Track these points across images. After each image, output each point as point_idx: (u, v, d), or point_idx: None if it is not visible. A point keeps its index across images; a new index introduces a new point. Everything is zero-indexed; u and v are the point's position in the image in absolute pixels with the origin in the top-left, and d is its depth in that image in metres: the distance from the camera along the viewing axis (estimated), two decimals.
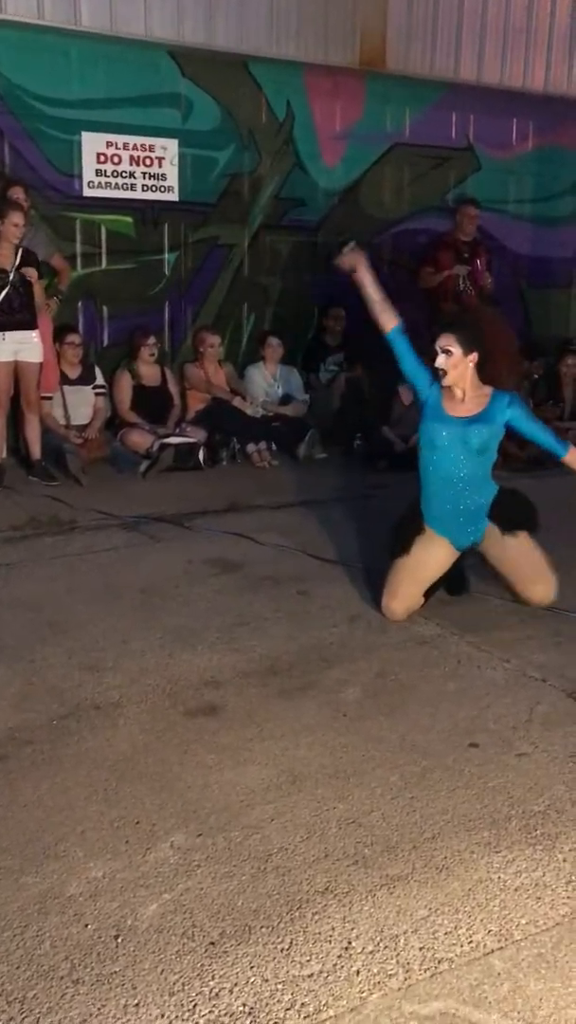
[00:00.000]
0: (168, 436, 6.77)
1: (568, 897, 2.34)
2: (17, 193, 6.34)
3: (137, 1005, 1.99)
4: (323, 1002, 2.01)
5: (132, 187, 7.25)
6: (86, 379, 6.93)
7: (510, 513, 4.09)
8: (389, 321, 4.01)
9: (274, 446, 7.12)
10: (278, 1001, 2.00)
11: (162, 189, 7.37)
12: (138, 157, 7.22)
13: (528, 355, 7.56)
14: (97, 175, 7.09)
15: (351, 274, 4.10)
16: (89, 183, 7.07)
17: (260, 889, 2.35)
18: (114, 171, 7.15)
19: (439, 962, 2.12)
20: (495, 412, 3.95)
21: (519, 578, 4.07)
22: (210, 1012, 1.97)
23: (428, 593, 4.08)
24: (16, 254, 6.09)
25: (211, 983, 2.05)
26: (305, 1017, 1.97)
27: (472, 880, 2.40)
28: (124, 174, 7.19)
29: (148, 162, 7.27)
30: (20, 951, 2.13)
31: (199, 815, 2.65)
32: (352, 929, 2.22)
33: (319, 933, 2.20)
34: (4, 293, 6.04)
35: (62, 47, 6.76)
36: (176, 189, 7.43)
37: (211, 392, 7.25)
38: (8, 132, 6.71)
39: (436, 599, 4.16)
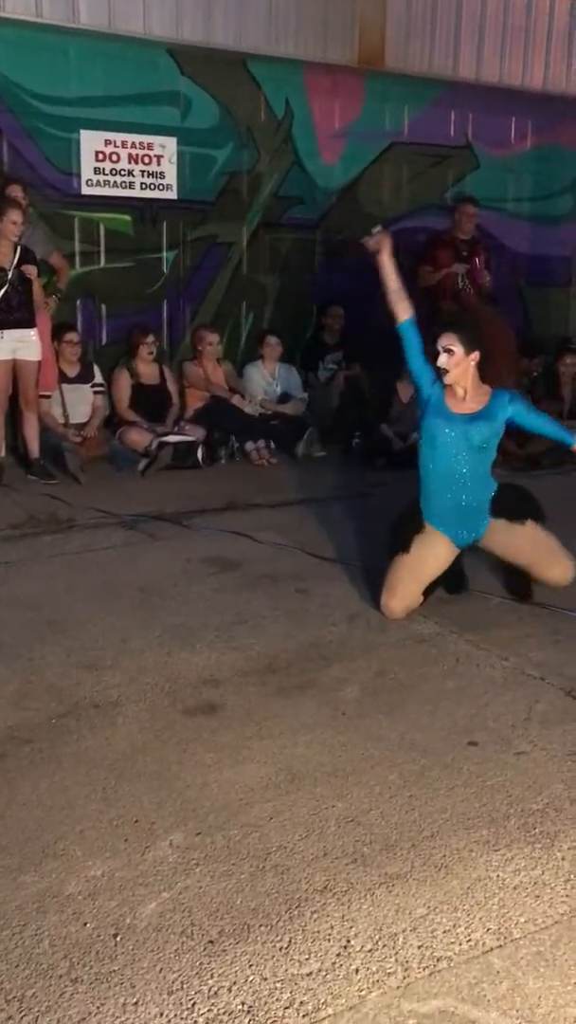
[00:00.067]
0: (167, 434, 6.76)
1: (567, 895, 2.34)
2: (15, 191, 6.33)
3: (136, 1004, 1.99)
4: (322, 1000, 2.01)
5: (131, 185, 7.24)
6: (85, 377, 6.92)
7: (515, 505, 4.12)
8: (404, 311, 4.02)
9: (273, 444, 7.12)
10: (277, 999, 2.01)
11: (161, 187, 7.37)
12: (137, 155, 7.21)
13: (527, 353, 7.57)
14: (95, 173, 7.08)
15: (375, 256, 4.09)
16: (87, 181, 7.06)
17: (259, 888, 2.35)
18: (113, 169, 7.14)
19: (438, 960, 2.12)
20: (496, 410, 3.97)
21: (536, 562, 4.08)
22: (209, 1010, 1.97)
23: (427, 592, 4.09)
24: (15, 252, 6.08)
25: (210, 981, 2.05)
26: (304, 1015, 1.97)
27: (471, 878, 2.40)
28: (123, 172, 7.18)
29: (147, 160, 7.26)
30: (19, 950, 2.13)
31: (198, 814, 2.65)
32: (351, 927, 2.22)
33: (318, 931, 2.20)
34: (3, 291, 6.04)
35: (60, 45, 6.75)
36: (175, 187, 7.42)
37: (210, 390, 7.25)
38: (6, 130, 6.70)
39: (435, 597, 4.16)
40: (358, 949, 2.15)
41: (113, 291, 7.31)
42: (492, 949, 2.16)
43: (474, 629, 3.96)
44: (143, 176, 7.28)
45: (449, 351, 3.88)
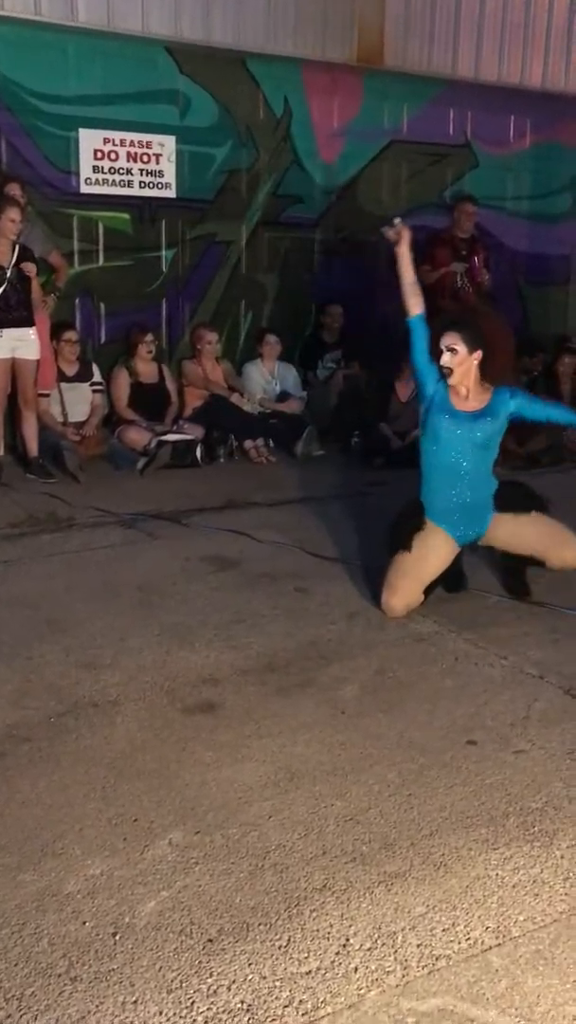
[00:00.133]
0: (165, 433, 6.76)
1: (566, 894, 2.35)
2: (14, 189, 6.32)
3: (135, 1002, 1.99)
4: (321, 999, 2.01)
5: (129, 184, 7.24)
6: (83, 376, 6.92)
7: (518, 499, 4.15)
8: (416, 306, 4.03)
9: (272, 443, 7.13)
10: (276, 998, 2.01)
11: (159, 186, 7.36)
12: (135, 154, 7.20)
13: (528, 352, 7.57)
14: (94, 172, 7.08)
15: (394, 246, 4.10)
16: (86, 180, 7.06)
17: (258, 886, 2.35)
18: (111, 168, 7.13)
19: (437, 959, 2.12)
20: (498, 407, 3.99)
21: (547, 547, 4.08)
22: (208, 1009, 1.98)
23: (428, 590, 4.09)
24: (13, 251, 6.08)
25: (209, 980, 2.05)
26: (303, 1014, 1.97)
27: (470, 877, 2.40)
28: (121, 171, 7.18)
29: (145, 159, 7.26)
30: (18, 948, 2.14)
31: (197, 812, 2.65)
32: (350, 926, 2.22)
33: (317, 930, 2.21)
34: (1, 290, 6.04)
35: (59, 43, 6.74)
36: (174, 186, 7.42)
37: (209, 389, 7.25)
38: (5, 128, 6.70)
39: (433, 596, 4.16)
40: (357, 948, 2.15)
41: (112, 290, 7.31)
42: (491, 947, 2.16)
43: (473, 628, 3.97)
44: (142, 175, 7.27)
45: (452, 350, 3.90)
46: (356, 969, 2.09)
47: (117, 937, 2.17)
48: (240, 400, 7.28)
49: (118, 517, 5.46)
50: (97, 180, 7.10)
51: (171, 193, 7.42)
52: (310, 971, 2.08)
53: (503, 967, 2.10)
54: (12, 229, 6.02)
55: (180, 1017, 1.96)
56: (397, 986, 2.04)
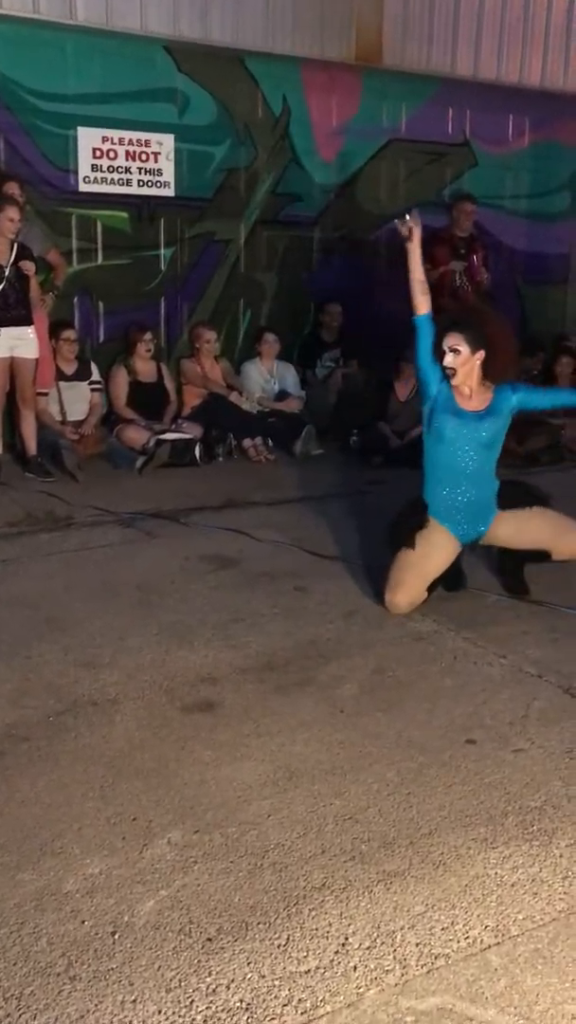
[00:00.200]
0: (164, 432, 6.76)
1: (565, 892, 2.35)
2: (12, 188, 6.32)
3: (134, 1001, 1.99)
4: (320, 998, 2.01)
5: (128, 182, 7.23)
6: (82, 375, 6.92)
7: (520, 495, 4.18)
8: (424, 305, 4.03)
9: (270, 442, 7.12)
10: (275, 997, 2.01)
11: (158, 184, 7.35)
12: (134, 152, 7.20)
13: (528, 351, 7.57)
14: (93, 170, 7.07)
15: (405, 241, 4.08)
16: (85, 178, 7.05)
17: (257, 885, 2.35)
18: (110, 166, 7.13)
19: (436, 958, 2.12)
20: (502, 404, 4.02)
21: (553, 538, 4.10)
22: (207, 1008, 1.98)
23: (429, 589, 4.09)
24: (12, 249, 6.07)
25: (208, 979, 2.05)
26: (302, 1013, 1.97)
27: (469, 876, 2.40)
28: (120, 169, 7.17)
29: (144, 157, 7.25)
30: (17, 948, 2.13)
31: (196, 811, 2.65)
32: (349, 925, 2.22)
33: (316, 929, 2.21)
34: (0, 288, 6.03)
35: (57, 41, 6.73)
36: (172, 184, 7.41)
37: (207, 387, 7.25)
38: (3, 127, 6.68)
39: (433, 595, 4.15)
40: (356, 947, 2.15)
41: (111, 288, 7.30)
42: (490, 946, 2.16)
43: (472, 627, 3.97)
44: (140, 173, 7.26)
45: (455, 351, 3.91)
46: (355, 968, 2.09)
47: (116, 936, 2.17)
48: (239, 399, 7.28)
49: (117, 516, 5.46)
50: (96, 179, 7.09)
51: (170, 192, 7.41)
52: (309, 970, 2.08)
53: (502, 966, 2.10)
54: (11, 228, 6.01)
55: (179, 1016, 1.96)
56: (396, 985, 2.05)
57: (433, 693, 3.39)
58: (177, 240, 7.55)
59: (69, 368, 6.86)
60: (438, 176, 8.59)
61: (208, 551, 4.88)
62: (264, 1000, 2.00)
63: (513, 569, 4.36)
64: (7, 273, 6.04)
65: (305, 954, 2.13)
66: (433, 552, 4.04)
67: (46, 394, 6.69)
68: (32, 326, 6.25)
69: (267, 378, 7.62)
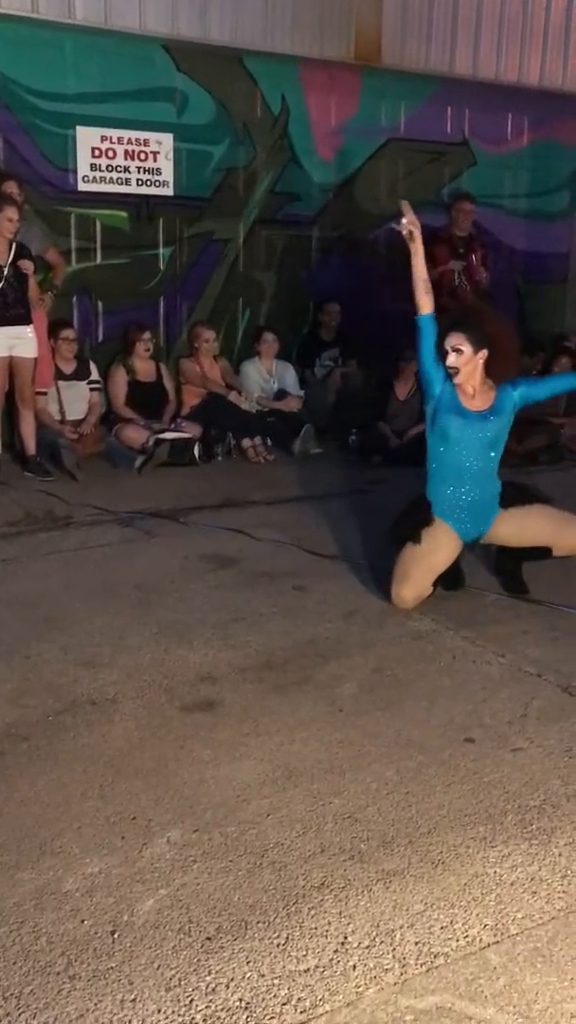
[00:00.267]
0: (163, 431, 6.76)
1: (564, 891, 2.35)
2: (11, 187, 6.31)
3: (134, 1000, 1.99)
4: (319, 997, 2.01)
5: (127, 181, 7.23)
6: (81, 374, 6.92)
7: (521, 493, 4.20)
8: (426, 304, 4.03)
9: (269, 441, 7.12)
10: (274, 996, 2.01)
11: (157, 184, 7.35)
12: (133, 151, 7.20)
13: (528, 351, 7.57)
14: (92, 169, 7.07)
15: (408, 241, 4.03)
16: (84, 177, 7.05)
17: (256, 884, 2.35)
18: (109, 165, 7.13)
19: (435, 956, 2.13)
20: (504, 402, 4.04)
21: (555, 533, 4.11)
22: (207, 1007, 1.98)
23: (433, 585, 4.11)
24: (10, 249, 6.07)
25: (208, 978, 2.05)
26: (301, 1012, 1.97)
27: (468, 875, 2.40)
28: (119, 168, 7.17)
29: (143, 156, 7.25)
30: (16, 947, 2.14)
31: (195, 811, 2.65)
32: (348, 924, 2.22)
33: (315, 928, 2.21)
34: None
35: (56, 41, 6.73)
36: (171, 183, 7.41)
37: (206, 387, 7.24)
38: (2, 126, 6.68)
39: (432, 594, 4.16)
40: (355, 945, 2.15)
41: (109, 288, 7.30)
42: (489, 945, 2.16)
43: (471, 626, 3.97)
44: (139, 172, 7.26)
45: (458, 350, 3.92)
46: (354, 967, 2.09)
47: (116, 935, 2.17)
48: (238, 398, 7.28)
49: (116, 515, 5.46)
50: (95, 178, 7.09)
51: (168, 191, 7.41)
52: (308, 969, 2.08)
53: (501, 965, 2.11)
54: (9, 227, 6.01)
55: (179, 1015, 1.96)
56: (395, 984, 2.05)
57: (432, 692, 3.39)
58: (176, 239, 7.55)
59: (68, 367, 6.86)
60: (437, 175, 8.59)
61: (207, 550, 4.88)
62: (263, 999, 2.00)
63: (512, 568, 4.36)
64: (6, 272, 6.04)
65: (304, 953, 2.13)
66: (438, 547, 4.05)
67: (45, 393, 6.69)
68: (31, 325, 6.25)
69: (266, 377, 7.62)
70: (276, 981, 2.05)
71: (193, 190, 7.51)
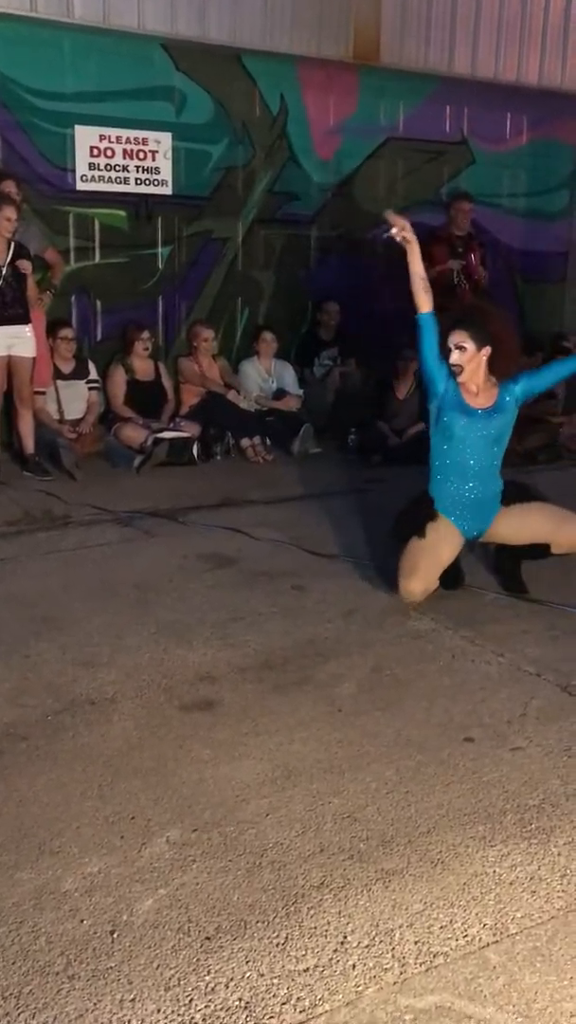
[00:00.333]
0: (162, 431, 6.76)
1: (563, 891, 2.35)
2: (9, 187, 6.31)
3: (133, 1000, 1.99)
4: (319, 996, 2.01)
5: (125, 181, 7.22)
6: (80, 374, 6.92)
7: (520, 493, 4.21)
8: (426, 302, 4.02)
9: (268, 441, 7.12)
10: (274, 995, 2.01)
11: (156, 183, 7.35)
12: (131, 151, 7.19)
13: (527, 350, 7.57)
14: (90, 168, 7.06)
15: (405, 245, 4.01)
16: (82, 177, 7.05)
17: (255, 884, 2.35)
18: (107, 164, 7.12)
19: (434, 956, 2.13)
20: (507, 399, 4.05)
21: (554, 530, 4.12)
22: (206, 1007, 1.98)
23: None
24: (9, 248, 6.07)
25: (207, 978, 2.05)
26: (301, 1011, 1.97)
27: (467, 874, 2.40)
28: (117, 168, 7.17)
29: (141, 155, 7.24)
30: (16, 947, 2.13)
31: (194, 810, 2.65)
32: (348, 923, 2.22)
33: (315, 928, 2.21)
34: None
35: (55, 40, 6.72)
36: (170, 183, 7.40)
37: (205, 386, 7.24)
38: (1, 125, 6.67)
39: (432, 593, 4.16)
40: (355, 945, 2.15)
41: (108, 287, 7.30)
42: (488, 944, 2.16)
43: (470, 625, 3.97)
44: (138, 171, 7.26)
45: (461, 348, 3.93)
46: (354, 966, 2.09)
47: (115, 935, 2.17)
48: (237, 398, 7.28)
49: (115, 515, 5.46)
50: (93, 177, 7.08)
51: (167, 190, 7.41)
52: (308, 968, 2.08)
53: (501, 964, 2.11)
54: (8, 227, 6.01)
55: (178, 1015, 1.96)
56: (395, 983, 2.05)
57: (431, 692, 3.39)
58: (175, 239, 7.54)
59: (67, 367, 6.86)
60: (436, 175, 8.59)
61: (206, 550, 4.88)
62: (263, 998, 2.00)
63: (511, 567, 4.37)
64: (4, 272, 6.03)
65: (304, 952, 2.13)
66: (443, 541, 4.07)
67: (44, 393, 6.69)
68: (29, 325, 6.24)
69: (265, 377, 7.62)
70: (275, 980, 2.05)
71: (192, 189, 7.51)
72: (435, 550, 4.04)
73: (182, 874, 2.38)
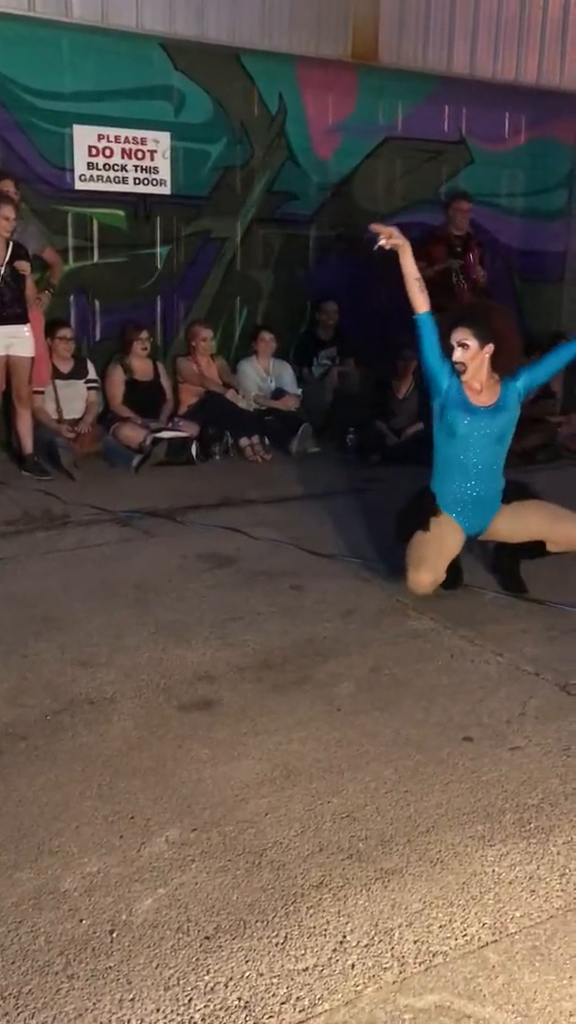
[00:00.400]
0: (161, 430, 6.76)
1: (562, 890, 2.35)
2: (7, 186, 6.31)
3: (132, 1000, 1.99)
4: (318, 996, 2.01)
5: (124, 180, 7.22)
6: (78, 373, 6.92)
7: (519, 492, 4.23)
8: (422, 303, 4.02)
9: (267, 440, 7.12)
10: (273, 995, 2.01)
11: (154, 182, 7.35)
12: (130, 150, 7.19)
13: (526, 350, 7.56)
14: (89, 168, 7.06)
15: (392, 246, 4.00)
16: (81, 176, 7.04)
17: (255, 883, 2.35)
18: (106, 164, 7.12)
19: (434, 955, 2.13)
20: (510, 396, 4.06)
21: (551, 528, 4.13)
22: (205, 1006, 1.98)
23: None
24: (7, 248, 6.07)
25: (206, 977, 2.05)
26: (300, 1011, 1.97)
27: (466, 873, 2.40)
28: (116, 167, 7.17)
29: (140, 155, 7.24)
30: (15, 946, 2.13)
31: (193, 810, 2.65)
32: (347, 923, 2.22)
33: (314, 927, 2.21)
34: None
35: (53, 39, 6.72)
36: (168, 182, 7.41)
37: (204, 386, 7.24)
38: None
39: (431, 593, 4.16)
40: (354, 944, 2.15)
41: (107, 287, 7.30)
42: (488, 944, 2.17)
43: (469, 625, 3.97)
44: (136, 171, 7.26)
45: (464, 345, 3.93)
46: (353, 966, 2.09)
47: (114, 935, 2.17)
48: (235, 397, 7.28)
49: (114, 515, 5.46)
50: (92, 176, 7.08)
51: (166, 190, 7.41)
52: (307, 968, 2.08)
53: (500, 963, 2.11)
54: (6, 227, 6.00)
55: (177, 1014, 1.96)
56: (394, 983, 2.05)
57: (430, 691, 3.39)
58: (173, 238, 7.54)
59: (65, 366, 6.86)
60: (434, 174, 8.60)
61: (205, 549, 4.88)
62: (262, 998, 2.00)
63: (510, 567, 4.37)
64: (2, 272, 6.03)
65: (303, 952, 2.13)
66: (447, 534, 4.08)
67: (42, 392, 6.69)
68: (28, 324, 6.24)
69: (263, 376, 7.62)
70: (275, 980, 2.05)
71: (190, 189, 7.51)
72: (441, 542, 4.05)
73: (181, 874, 2.38)
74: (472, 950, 2.15)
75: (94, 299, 7.31)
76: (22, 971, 2.06)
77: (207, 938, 2.17)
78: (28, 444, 6.39)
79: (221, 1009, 1.97)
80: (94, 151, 7.05)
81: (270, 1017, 1.96)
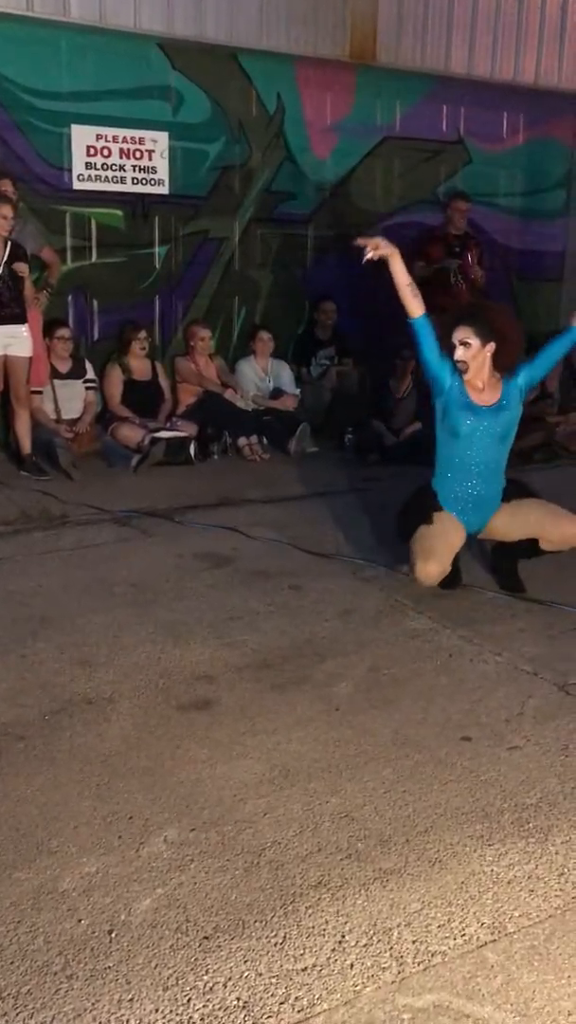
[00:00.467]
0: (159, 430, 6.75)
1: (560, 890, 2.35)
2: (5, 186, 6.30)
3: (131, 1000, 1.99)
4: (317, 995, 2.01)
5: (122, 180, 7.22)
6: (76, 373, 6.91)
7: (518, 491, 4.24)
8: (417, 307, 4.02)
9: (265, 440, 7.12)
10: (272, 995, 2.01)
11: (152, 182, 7.34)
12: (128, 150, 7.19)
13: (525, 350, 7.57)
14: (87, 168, 7.06)
15: (379, 256, 3.98)
16: (79, 176, 7.04)
17: (253, 883, 2.35)
18: (104, 164, 7.11)
19: (432, 955, 2.13)
20: (513, 393, 4.07)
21: (547, 525, 4.14)
22: (204, 1006, 1.98)
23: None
24: (5, 248, 6.06)
25: (205, 977, 2.05)
26: (299, 1011, 1.97)
27: (465, 873, 2.40)
28: (114, 167, 7.16)
29: (138, 155, 7.24)
30: (14, 947, 2.13)
31: (192, 810, 2.65)
32: (345, 923, 2.22)
33: (313, 927, 2.21)
34: None
35: (51, 39, 6.71)
36: (166, 182, 7.40)
37: (202, 385, 7.24)
38: None
39: (428, 592, 4.17)
40: (353, 944, 2.16)
41: (105, 286, 7.29)
42: (486, 943, 2.17)
43: (468, 624, 3.97)
44: (135, 171, 7.25)
45: (466, 344, 3.93)
46: (352, 965, 2.09)
47: (113, 935, 2.17)
48: (234, 397, 7.27)
49: (112, 514, 5.45)
50: (90, 176, 7.08)
51: (164, 189, 7.40)
52: (306, 968, 2.09)
53: (498, 963, 2.11)
54: (4, 226, 5.99)
55: (176, 1014, 1.96)
56: (393, 982, 2.05)
57: (429, 691, 3.39)
58: (172, 238, 7.54)
59: (63, 366, 6.85)
60: (432, 174, 8.59)
61: (203, 549, 4.88)
62: (261, 998, 2.00)
63: (508, 566, 4.37)
64: (0, 272, 6.02)
65: (302, 952, 2.13)
66: (451, 528, 4.09)
67: (40, 392, 6.68)
68: (26, 324, 6.23)
69: (262, 376, 7.62)
70: (274, 980, 2.05)
71: (189, 188, 7.50)
72: (446, 535, 4.06)
73: (180, 874, 2.38)
74: (471, 950, 2.15)
75: (92, 299, 7.30)
76: (21, 971, 2.06)
77: (206, 938, 2.17)
78: (26, 444, 6.38)
79: (220, 1009, 1.97)
80: (92, 151, 7.05)
81: (269, 1017, 1.96)
